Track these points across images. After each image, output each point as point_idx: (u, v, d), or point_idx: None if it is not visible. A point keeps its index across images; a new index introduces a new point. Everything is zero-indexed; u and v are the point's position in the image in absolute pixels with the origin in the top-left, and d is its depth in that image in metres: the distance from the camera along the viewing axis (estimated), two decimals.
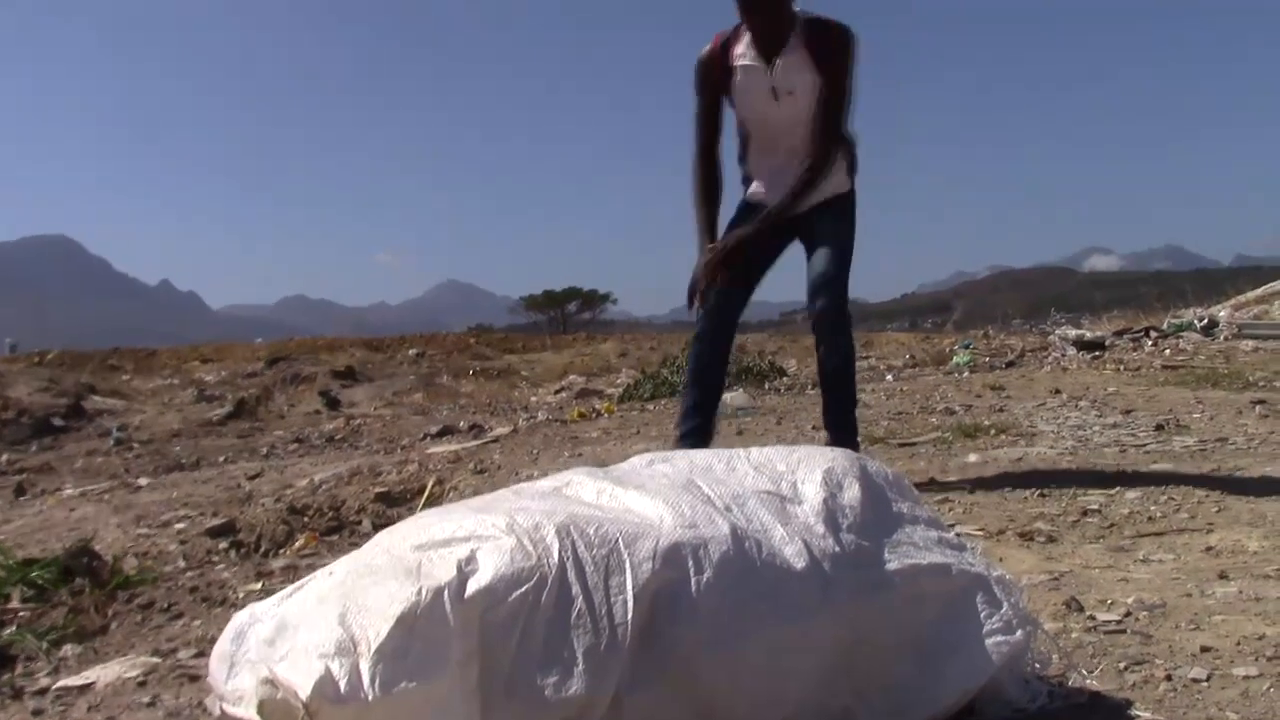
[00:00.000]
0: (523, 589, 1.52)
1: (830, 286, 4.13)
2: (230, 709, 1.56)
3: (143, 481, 7.28)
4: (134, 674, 2.64)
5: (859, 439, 4.49)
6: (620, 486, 1.83)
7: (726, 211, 4.45)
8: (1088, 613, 2.54)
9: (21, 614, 3.32)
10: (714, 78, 4.28)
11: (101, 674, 2.65)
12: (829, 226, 4.24)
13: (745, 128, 4.40)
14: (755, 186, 4.41)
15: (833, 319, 4.16)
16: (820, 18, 4.13)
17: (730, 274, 4.24)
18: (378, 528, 4.72)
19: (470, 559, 1.55)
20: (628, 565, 1.60)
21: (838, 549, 1.79)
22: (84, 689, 2.61)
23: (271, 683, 1.45)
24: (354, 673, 1.40)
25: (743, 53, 4.19)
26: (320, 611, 1.52)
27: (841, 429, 4.34)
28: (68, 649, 3.02)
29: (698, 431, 4.40)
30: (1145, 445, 5.07)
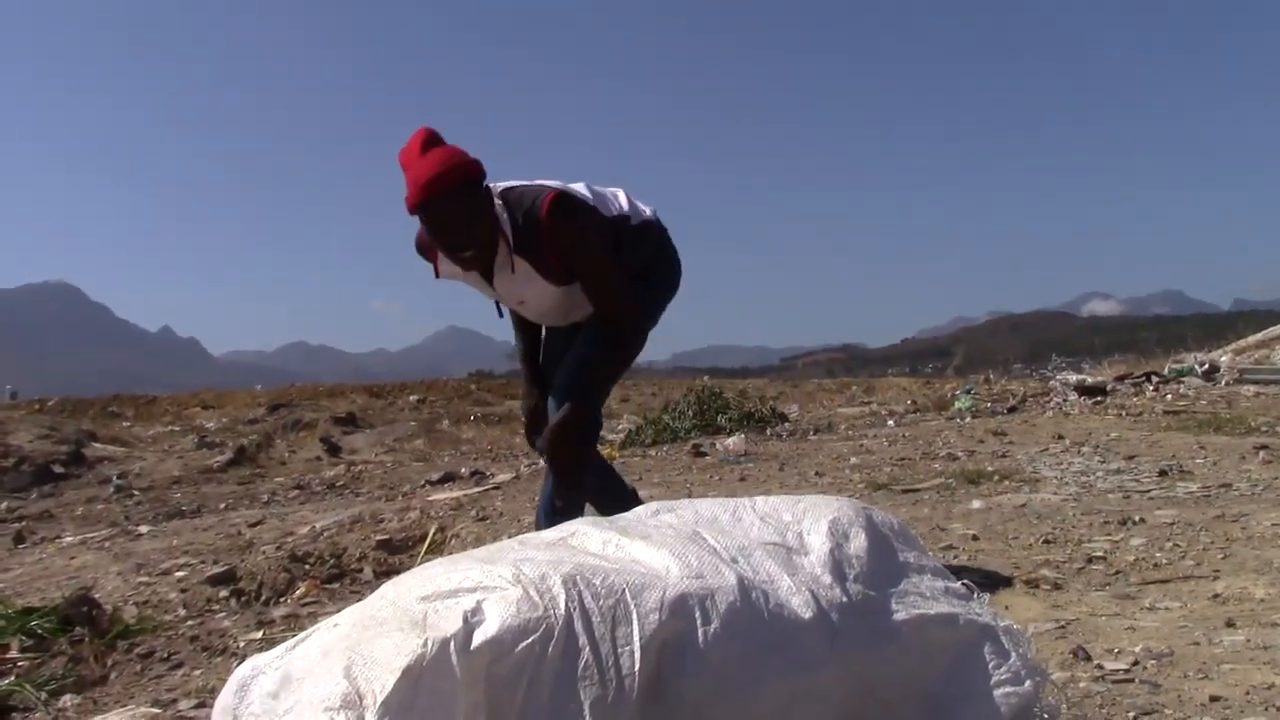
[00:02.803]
0: (529, 640, 1.51)
1: (552, 432, 3.38)
2: None
3: (143, 529, 7.26)
4: None
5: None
6: (626, 537, 1.83)
7: None
8: (1095, 661, 2.53)
9: (20, 663, 3.30)
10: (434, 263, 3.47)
11: None
12: (578, 347, 3.52)
13: None
14: None
15: (553, 461, 3.45)
16: (528, 206, 3.23)
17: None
18: (379, 575, 4.71)
19: (476, 610, 1.54)
20: (634, 616, 1.59)
21: (845, 599, 1.79)
22: None
23: None
24: None
25: (446, 263, 3.37)
26: (325, 664, 1.51)
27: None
28: (67, 699, 3.00)
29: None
30: (1149, 491, 5.05)
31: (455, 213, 3.08)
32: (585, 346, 3.47)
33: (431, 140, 3.10)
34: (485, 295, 3.50)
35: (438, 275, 3.43)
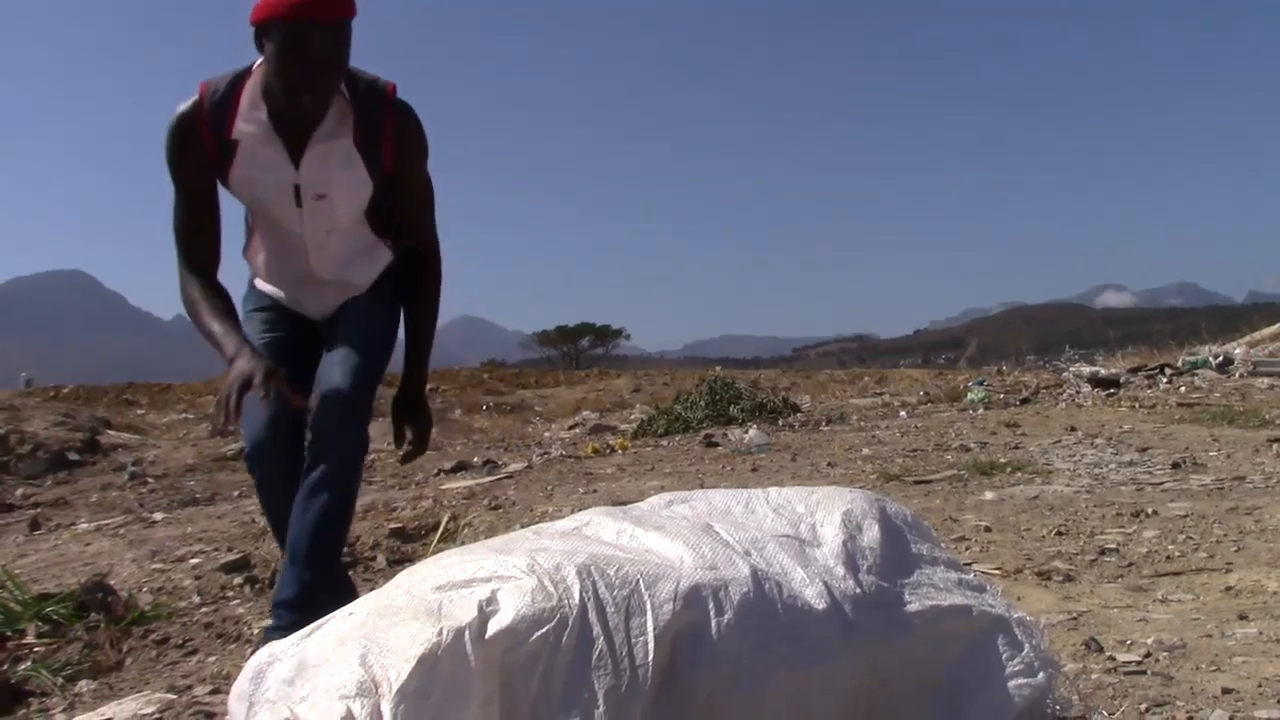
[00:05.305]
0: (544, 630, 1.52)
1: (342, 411, 2.75)
2: None
3: (157, 516, 7.29)
4: (150, 710, 2.64)
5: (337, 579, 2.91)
6: (640, 527, 1.83)
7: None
8: (1107, 653, 2.53)
9: (37, 649, 3.32)
10: (197, 154, 2.75)
11: (117, 711, 2.65)
12: (356, 324, 2.93)
13: (251, 215, 3.00)
14: (274, 289, 3.05)
15: (342, 441, 2.78)
16: (370, 82, 2.78)
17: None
18: (392, 564, 4.73)
19: (491, 600, 1.55)
20: (649, 606, 1.59)
21: (858, 591, 1.79)
22: None
23: None
24: (375, 714, 1.40)
25: (249, 118, 2.72)
26: (340, 652, 1.52)
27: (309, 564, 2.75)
28: (83, 685, 3.02)
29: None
30: (1162, 483, 5.05)
31: (334, 45, 2.58)
32: (415, 311, 3.06)
33: None
34: (266, 186, 2.80)
35: (229, 135, 2.72)
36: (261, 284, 3.06)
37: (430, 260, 3.04)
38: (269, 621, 2.79)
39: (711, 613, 1.63)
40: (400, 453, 3.13)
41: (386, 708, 1.41)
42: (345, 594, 2.74)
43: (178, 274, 2.87)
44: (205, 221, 2.86)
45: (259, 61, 2.70)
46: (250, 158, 2.75)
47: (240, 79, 2.74)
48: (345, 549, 4.92)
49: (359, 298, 2.98)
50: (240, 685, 1.64)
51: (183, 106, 2.73)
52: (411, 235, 3.01)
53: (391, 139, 2.79)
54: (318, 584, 2.70)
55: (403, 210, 2.96)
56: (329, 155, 2.76)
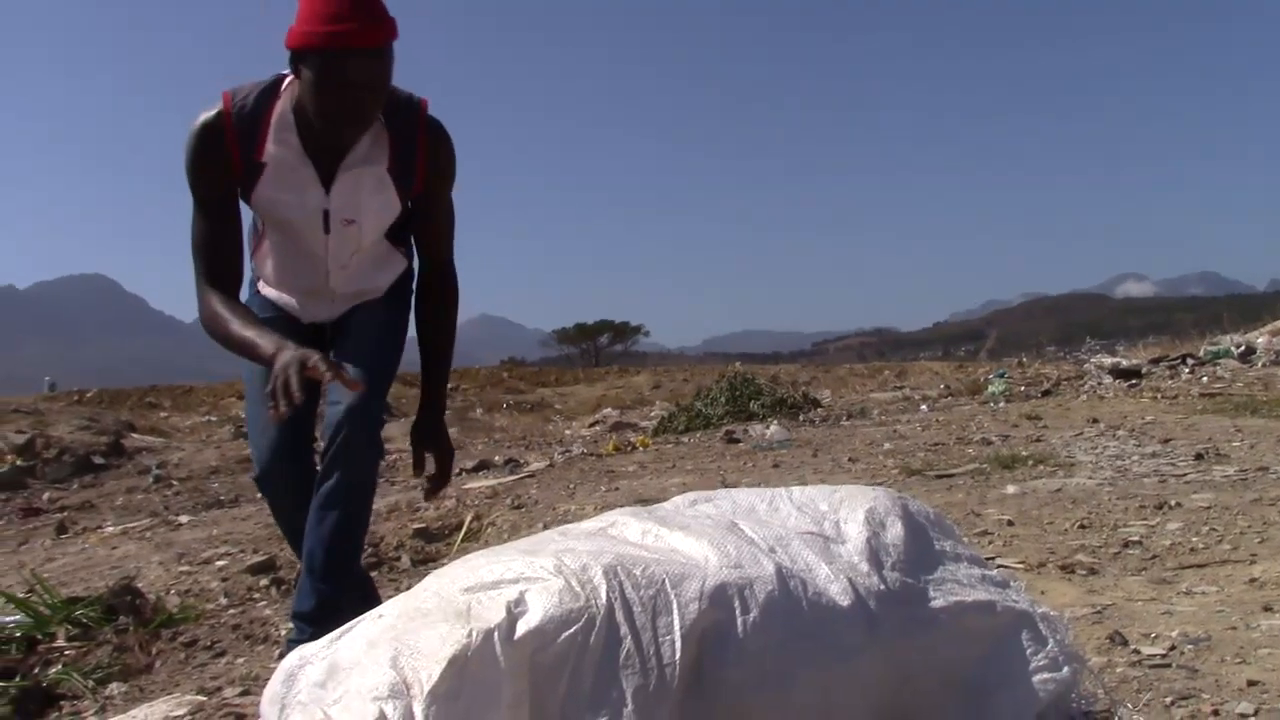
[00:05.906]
0: (571, 630, 1.54)
1: (358, 417, 2.68)
2: None
3: (183, 519, 7.34)
4: (180, 713, 2.66)
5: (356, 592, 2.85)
6: (665, 527, 1.84)
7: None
8: (1132, 646, 2.52)
9: (67, 653, 3.36)
10: (221, 167, 2.61)
11: (148, 713, 2.67)
12: (367, 330, 2.91)
13: (261, 222, 2.88)
14: (280, 295, 2.96)
15: (358, 447, 2.70)
16: (404, 101, 2.69)
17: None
18: (416, 563, 4.75)
19: (519, 601, 1.57)
20: (675, 606, 1.61)
21: (882, 587, 1.80)
22: None
23: None
24: (408, 715, 1.42)
25: (280, 140, 2.61)
26: (372, 655, 1.54)
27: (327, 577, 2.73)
28: (114, 687, 3.05)
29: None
30: (1185, 475, 5.02)
31: (375, 70, 2.45)
32: (434, 334, 3.03)
33: None
34: (293, 209, 2.71)
35: (258, 157, 2.60)
36: (267, 289, 2.97)
37: (446, 282, 2.99)
38: (291, 630, 2.81)
39: (737, 611, 1.64)
40: (423, 486, 3.07)
41: (418, 709, 1.43)
42: (366, 597, 2.79)
43: (196, 290, 2.70)
44: (226, 236, 2.71)
45: (288, 80, 2.61)
46: (278, 180, 2.64)
47: (269, 95, 2.62)
48: (370, 549, 4.97)
49: (371, 302, 2.94)
50: (272, 688, 1.66)
51: (206, 116, 2.58)
52: (428, 254, 2.96)
53: (424, 158, 2.72)
54: (336, 595, 2.69)
55: (422, 228, 2.92)
56: (360, 180, 2.68)
